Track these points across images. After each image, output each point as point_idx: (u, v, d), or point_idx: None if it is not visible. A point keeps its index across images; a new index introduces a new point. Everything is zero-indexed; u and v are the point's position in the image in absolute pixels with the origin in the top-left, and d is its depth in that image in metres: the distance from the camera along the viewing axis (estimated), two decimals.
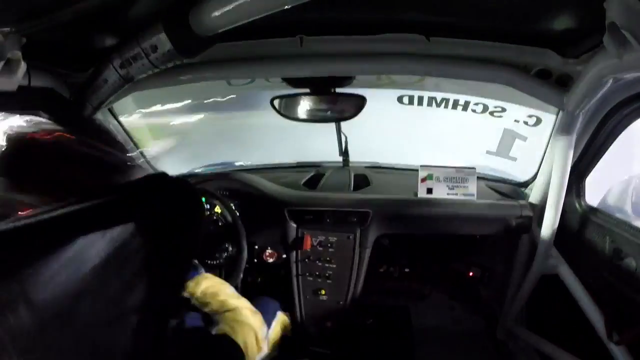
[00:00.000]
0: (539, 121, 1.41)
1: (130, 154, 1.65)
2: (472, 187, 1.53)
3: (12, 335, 0.38)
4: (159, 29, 0.86)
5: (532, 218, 1.47)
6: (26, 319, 0.39)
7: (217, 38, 0.92)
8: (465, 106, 1.58)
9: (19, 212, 0.50)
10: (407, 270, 1.71)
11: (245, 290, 1.25)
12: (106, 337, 0.48)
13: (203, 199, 1.35)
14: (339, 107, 1.33)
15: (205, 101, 2.25)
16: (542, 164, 1.43)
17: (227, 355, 0.79)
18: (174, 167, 1.90)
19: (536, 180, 1.48)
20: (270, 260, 1.53)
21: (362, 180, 1.79)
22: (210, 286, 1.05)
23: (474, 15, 0.96)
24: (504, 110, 1.47)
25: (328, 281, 1.47)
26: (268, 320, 1.11)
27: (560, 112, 1.20)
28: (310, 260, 1.48)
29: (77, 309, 0.43)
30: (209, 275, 1.11)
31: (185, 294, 1.05)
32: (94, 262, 0.45)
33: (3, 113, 0.87)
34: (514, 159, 1.78)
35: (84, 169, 0.59)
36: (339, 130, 2.00)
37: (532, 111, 1.42)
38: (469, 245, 1.74)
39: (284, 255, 1.52)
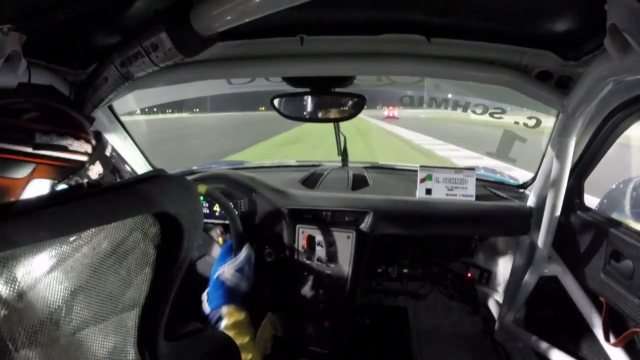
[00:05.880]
0: (538, 123, 1.42)
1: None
2: (471, 188, 1.53)
3: (9, 329, 0.38)
4: (160, 27, 0.86)
5: (531, 220, 1.47)
6: (22, 314, 0.39)
7: (217, 37, 0.92)
8: (465, 107, 1.58)
9: None
10: (405, 270, 1.71)
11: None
12: (101, 333, 0.48)
13: (202, 198, 1.35)
14: (339, 107, 1.33)
15: None
16: (542, 165, 1.43)
17: (224, 354, 0.79)
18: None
19: (535, 181, 1.48)
20: (269, 259, 1.53)
21: (360, 180, 1.79)
22: (235, 323, 1.01)
23: (475, 17, 0.96)
24: (503, 111, 1.47)
25: (326, 281, 1.47)
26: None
27: (560, 114, 1.20)
28: (308, 259, 1.48)
29: (72, 304, 0.43)
30: (237, 311, 1.05)
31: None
32: (90, 258, 0.45)
33: None
34: (514, 161, 1.79)
35: None
36: (337, 131, 2.00)
37: (532, 113, 1.43)
38: (468, 247, 1.74)
39: (282, 255, 1.52)
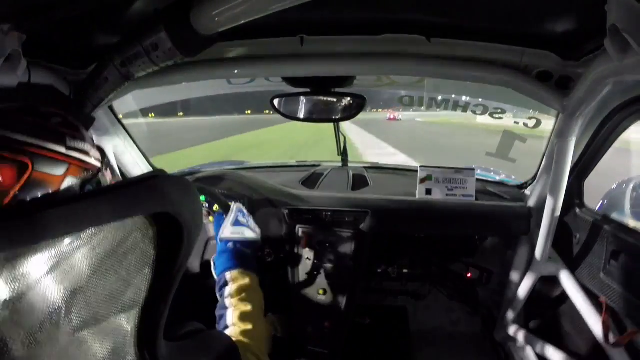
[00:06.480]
0: (538, 123, 1.42)
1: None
2: (471, 188, 1.53)
3: (9, 329, 0.38)
4: (160, 27, 0.86)
5: (531, 220, 1.47)
6: (22, 314, 0.39)
7: (217, 37, 0.92)
8: (465, 108, 1.59)
9: None
10: (405, 270, 1.71)
11: None
12: (101, 333, 0.48)
13: (202, 198, 1.35)
14: (339, 107, 1.33)
15: None
16: (542, 166, 1.43)
17: (224, 354, 0.78)
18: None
19: (535, 182, 1.48)
20: (269, 259, 1.53)
21: (360, 181, 1.79)
22: (239, 289, 0.98)
23: (475, 17, 0.96)
24: (503, 112, 1.47)
25: (326, 281, 1.47)
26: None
27: (560, 114, 1.20)
28: (308, 259, 1.48)
29: (72, 304, 0.43)
30: (241, 275, 1.03)
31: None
32: (90, 258, 0.45)
33: None
34: (514, 161, 1.79)
35: None
36: (337, 131, 2.00)
37: (532, 113, 1.43)
38: (468, 247, 1.74)
39: (282, 255, 1.52)
